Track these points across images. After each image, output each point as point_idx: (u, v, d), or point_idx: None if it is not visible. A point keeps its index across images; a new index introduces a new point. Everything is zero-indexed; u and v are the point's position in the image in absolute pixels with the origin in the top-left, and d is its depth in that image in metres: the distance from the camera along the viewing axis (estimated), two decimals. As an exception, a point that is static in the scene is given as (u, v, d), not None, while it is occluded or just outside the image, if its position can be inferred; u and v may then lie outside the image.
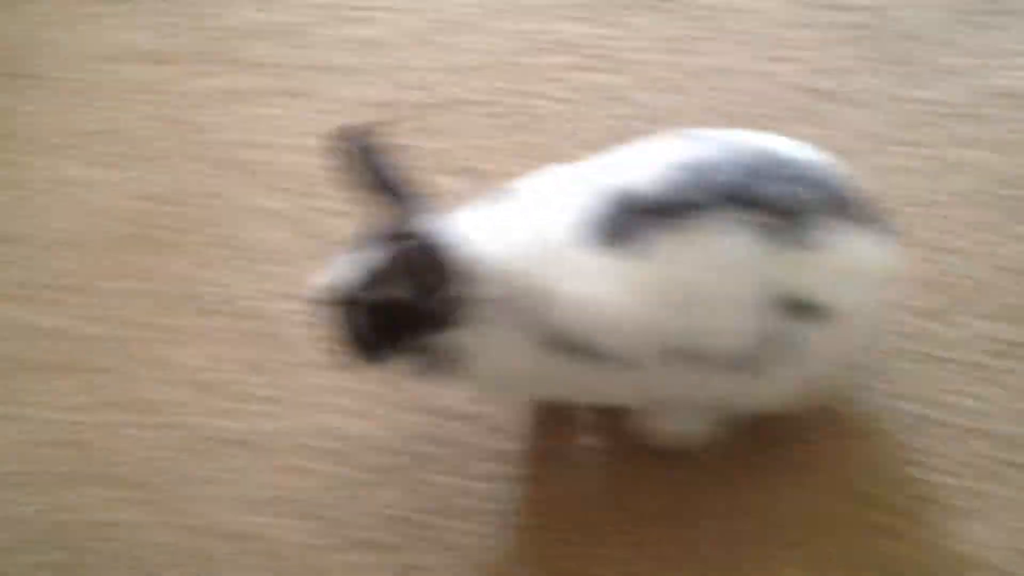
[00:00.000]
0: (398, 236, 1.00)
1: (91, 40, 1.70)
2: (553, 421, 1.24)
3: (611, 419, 1.22)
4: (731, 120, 1.48)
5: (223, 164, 1.52)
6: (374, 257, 1.00)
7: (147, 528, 1.21)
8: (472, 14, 1.69)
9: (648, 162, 1.00)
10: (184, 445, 1.27)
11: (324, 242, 1.36)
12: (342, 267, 1.03)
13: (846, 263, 0.99)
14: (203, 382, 1.32)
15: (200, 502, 1.23)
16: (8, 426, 1.30)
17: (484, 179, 1.39)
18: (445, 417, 1.25)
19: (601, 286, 0.97)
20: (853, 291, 1.00)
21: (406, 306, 1.00)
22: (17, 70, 1.68)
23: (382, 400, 1.27)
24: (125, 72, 1.66)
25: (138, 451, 1.27)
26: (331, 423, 1.27)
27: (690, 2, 1.67)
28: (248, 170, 1.51)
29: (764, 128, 1.09)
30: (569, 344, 1.00)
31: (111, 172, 1.53)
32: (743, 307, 0.97)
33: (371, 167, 1.02)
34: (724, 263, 0.96)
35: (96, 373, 1.33)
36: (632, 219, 0.96)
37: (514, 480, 1.21)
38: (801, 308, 0.98)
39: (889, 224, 1.05)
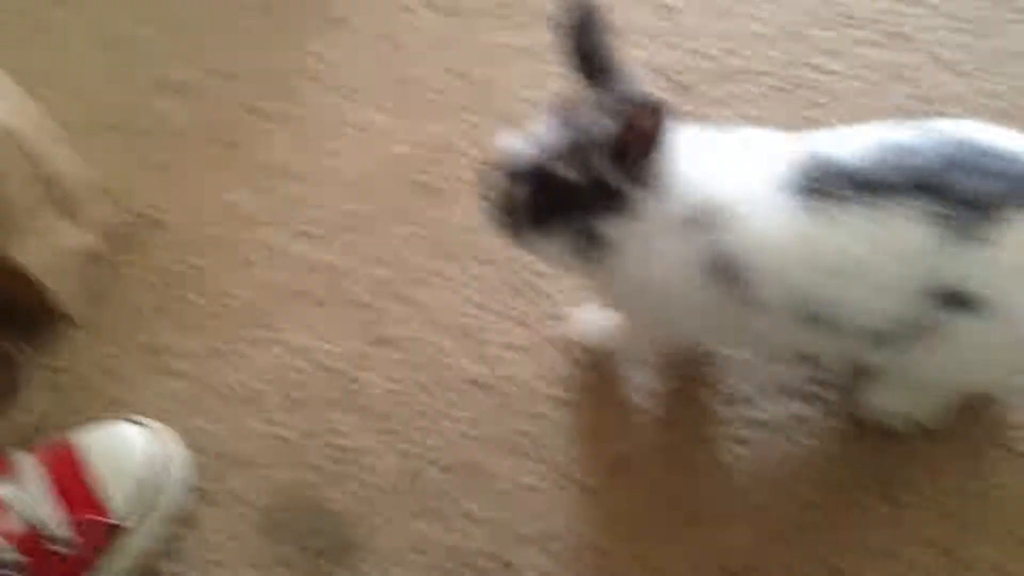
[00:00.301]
0: (618, 105, 1.00)
1: None
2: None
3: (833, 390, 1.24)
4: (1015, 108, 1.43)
5: (510, 118, 1.54)
6: (562, 130, 1.02)
7: (381, 455, 1.30)
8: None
9: (861, 138, 1.00)
10: (429, 382, 1.35)
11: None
12: (529, 135, 1.05)
13: (1016, 254, 0.95)
14: (459, 326, 1.38)
15: (434, 435, 1.31)
16: (271, 349, 1.41)
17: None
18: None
19: (780, 231, 0.99)
20: (1019, 283, 0.96)
21: (589, 182, 1.01)
22: (328, 14, 1.78)
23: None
24: (422, 22, 1.74)
25: (387, 384, 1.36)
26: (564, 373, 1.32)
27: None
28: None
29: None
30: (725, 271, 1.02)
31: (403, 120, 1.61)
32: (896, 293, 0.98)
33: (588, 39, 1.03)
34: (895, 247, 0.96)
35: (364, 309, 1.42)
36: (830, 184, 0.97)
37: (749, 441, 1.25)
38: (960, 300, 0.96)
39: None
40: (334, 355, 1.39)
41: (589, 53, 1.03)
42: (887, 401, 1.19)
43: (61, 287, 1.43)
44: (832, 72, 1.54)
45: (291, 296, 1.45)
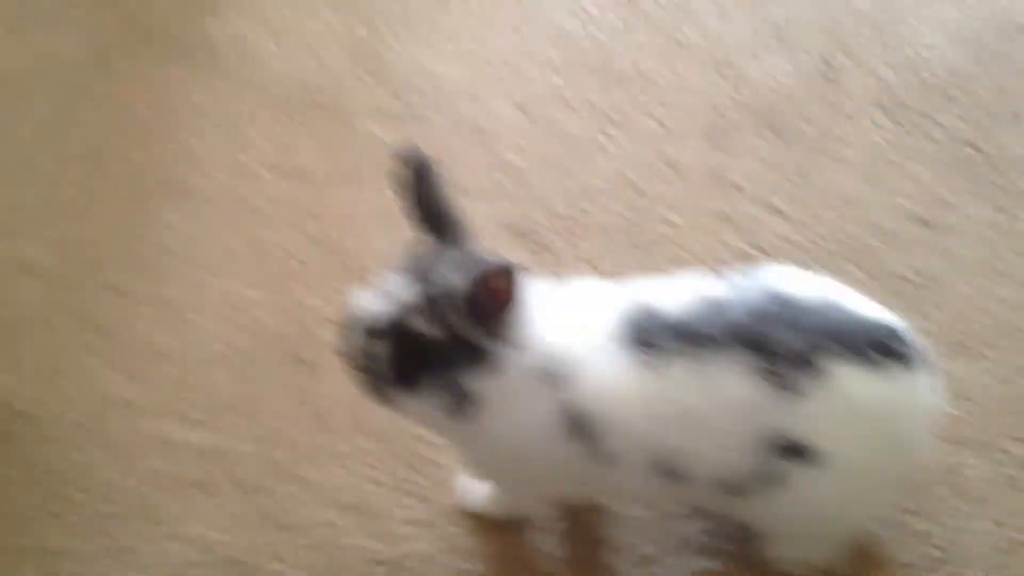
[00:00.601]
0: (467, 263, 1.06)
1: (245, 157, 1.81)
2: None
3: (733, 542, 1.31)
4: (842, 248, 1.59)
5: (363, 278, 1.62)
6: (415, 286, 1.06)
7: None
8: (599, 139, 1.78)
9: (683, 290, 1.09)
10: (333, 564, 1.36)
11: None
12: (383, 292, 1.08)
13: (848, 408, 1.04)
14: (356, 504, 1.40)
15: None
16: (166, 544, 1.39)
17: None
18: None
19: (617, 383, 1.06)
20: (853, 436, 1.05)
21: (447, 337, 1.05)
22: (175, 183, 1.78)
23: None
24: (274, 189, 1.76)
25: (291, 571, 1.36)
26: (466, 544, 1.36)
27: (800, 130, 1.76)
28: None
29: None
30: (576, 424, 1.08)
31: (270, 293, 1.63)
32: (734, 441, 1.06)
33: (426, 194, 1.09)
34: (724, 399, 1.05)
35: (258, 494, 1.43)
36: (656, 337, 1.06)
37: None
38: (795, 450, 1.05)
39: (929, 366, 1.07)
40: (233, 546, 1.39)
41: (430, 208, 1.09)
42: (780, 549, 1.25)
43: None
44: (670, 222, 1.66)
45: (181, 485, 1.45)
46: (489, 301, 1.04)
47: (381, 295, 1.08)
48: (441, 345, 1.06)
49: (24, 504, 1.45)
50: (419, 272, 1.08)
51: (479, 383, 1.08)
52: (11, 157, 1.85)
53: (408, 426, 1.43)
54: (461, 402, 1.09)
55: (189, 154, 1.82)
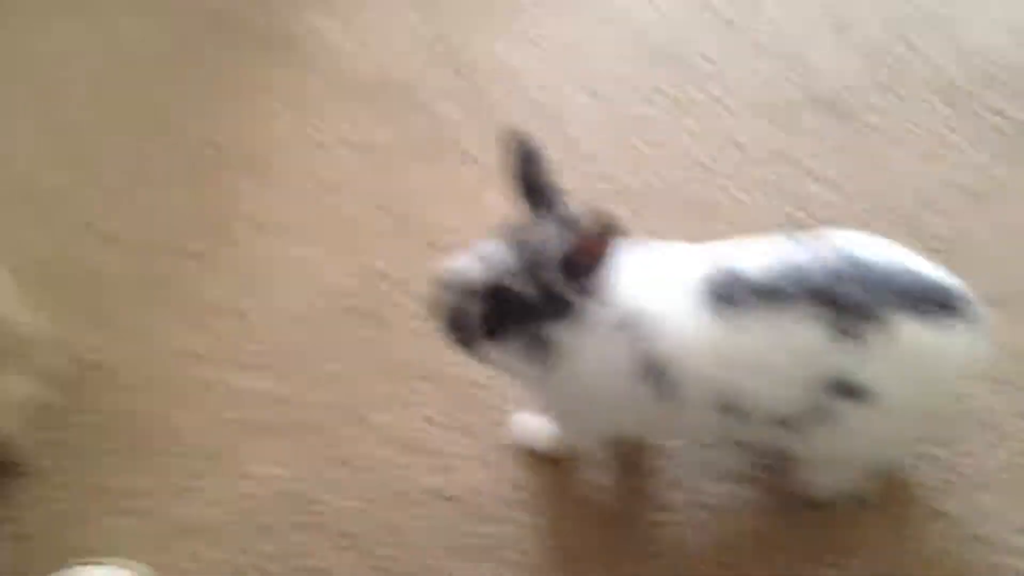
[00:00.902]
0: (568, 225, 1.14)
1: (317, 134, 1.88)
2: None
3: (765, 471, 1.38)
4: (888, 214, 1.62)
5: (436, 245, 1.67)
6: (513, 249, 1.14)
7: (353, 572, 1.36)
8: (659, 116, 1.83)
9: (762, 253, 1.18)
10: (390, 497, 1.41)
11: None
12: (481, 256, 1.16)
13: (901, 357, 1.13)
14: (412, 441, 1.45)
15: (402, 548, 1.37)
16: (228, 481, 1.45)
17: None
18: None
19: (694, 336, 1.15)
20: (905, 379, 1.14)
21: (540, 295, 1.13)
22: (251, 158, 1.86)
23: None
24: (340, 160, 1.83)
25: (349, 502, 1.41)
26: (516, 476, 1.41)
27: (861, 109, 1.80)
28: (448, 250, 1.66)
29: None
30: (652, 370, 1.16)
31: (334, 253, 1.69)
32: (796, 382, 1.15)
33: (530, 169, 1.17)
34: (791, 345, 1.13)
35: (316, 433, 1.48)
36: (735, 292, 1.15)
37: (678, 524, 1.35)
38: (848, 390, 1.14)
39: (980, 321, 1.16)
40: (293, 480, 1.44)
41: (533, 184, 1.17)
42: (813, 478, 1.32)
43: (13, 438, 1.44)
44: (735, 198, 1.70)
45: (242, 428, 1.50)
46: (584, 261, 1.13)
47: (479, 259, 1.16)
48: (532, 302, 1.14)
49: (98, 447, 1.51)
50: (517, 237, 1.16)
51: (565, 334, 1.17)
52: (92, 137, 1.93)
53: (462, 371, 1.49)
54: (546, 352, 1.18)
55: (266, 133, 1.89)
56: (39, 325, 1.55)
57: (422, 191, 1.77)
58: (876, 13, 1.93)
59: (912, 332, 1.12)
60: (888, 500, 1.35)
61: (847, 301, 1.13)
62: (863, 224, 1.57)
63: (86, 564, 1.29)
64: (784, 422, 1.18)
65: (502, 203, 1.64)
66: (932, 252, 1.20)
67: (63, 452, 1.50)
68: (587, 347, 1.17)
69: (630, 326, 1.16)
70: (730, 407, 1.18)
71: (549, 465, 1.42)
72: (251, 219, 1.76)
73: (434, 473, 1.43)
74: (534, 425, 1.42)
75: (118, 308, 1.67)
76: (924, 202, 1.65)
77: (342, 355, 1.57)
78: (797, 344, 1.13)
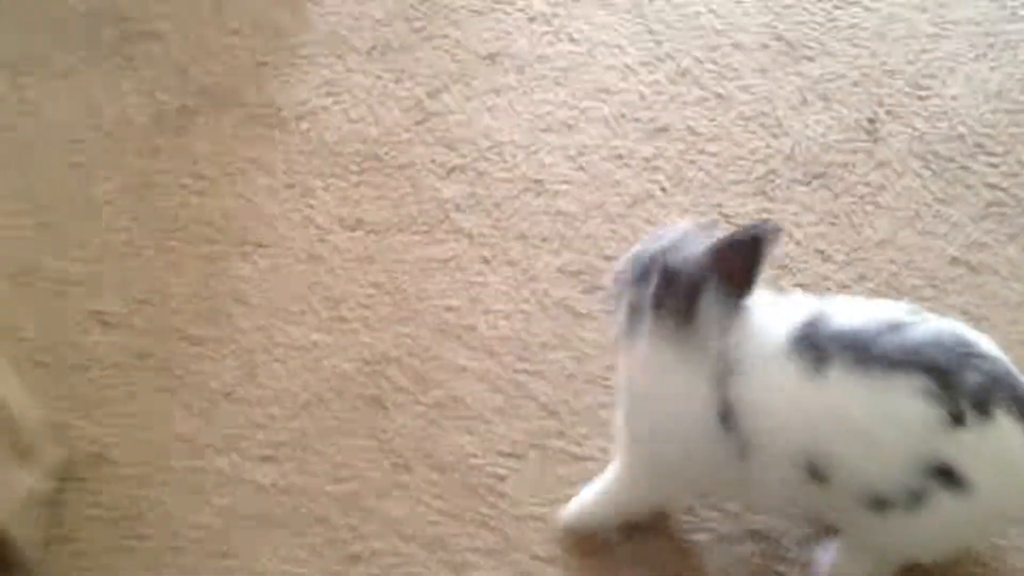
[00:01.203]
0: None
1: (311, 211, 1.87)
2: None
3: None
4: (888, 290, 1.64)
5: (439, 328, 1.67)
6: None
7: None
8: (653, 190, 1.85)
9: (868, 312, 1.18)
10: None
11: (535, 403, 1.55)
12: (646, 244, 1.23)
13: (1003, 456, 1.13)
14: (426, 535, 1.44)
15: None
16: None
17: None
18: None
19: (780, 385, 1.15)
20: (1000, 481, 1.13)
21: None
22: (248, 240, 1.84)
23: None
24: (339, 241, 1.82)
25: None
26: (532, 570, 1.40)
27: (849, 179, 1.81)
28: (456, 334, 1.66)
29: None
30: (728, 417, 1.17)
31: (338, 337, 1.68)
32: (896, 457, 1.13)
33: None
34: (892, 414, 1.11)
35: (327, 527, 1.47)
36: (830, 346, 1.14)
37: None
38: (948, 476, 1.12)
39: None
40: (301, 576, 1.42)
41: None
42: (842, 563, 1.30)
43: (18, 535, 1.43)
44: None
45: (251, 521, 1.48)
46: (741, 269, 1.17)
47: (660, 247, 1.21)
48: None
49: (97, 541, 1.48)
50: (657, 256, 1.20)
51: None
52: (84, 217, 1.92)
53: (473, 458, 1.49)
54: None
55: (257, 210, 1.88)
56: (40, 416, 1.53)
57: (418, 268, 1.77)
58: (851, 79, 1.96)
59: (1015, 433, 1.12)
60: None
61: (966, 387, 1.11)
62: (849, 291, 1.64)
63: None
64: (874, 499, 1.16)
65: (497, 279, 1.71)
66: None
67: (65, 549, 1.47)
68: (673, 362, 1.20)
69: (720, 364, 1.17)
70: (816, 471, 1.16)
71: (571, 553, 1.41)
72: (248, 302, 1.75)
73: (443, 566, 1.41)
74: (590, 498, 1.39)
75: (115, 393, 1.64)
76: (915, 271, 1.67)
77: (343, 441, 1.55)
78: (906, 417, 1.11)
